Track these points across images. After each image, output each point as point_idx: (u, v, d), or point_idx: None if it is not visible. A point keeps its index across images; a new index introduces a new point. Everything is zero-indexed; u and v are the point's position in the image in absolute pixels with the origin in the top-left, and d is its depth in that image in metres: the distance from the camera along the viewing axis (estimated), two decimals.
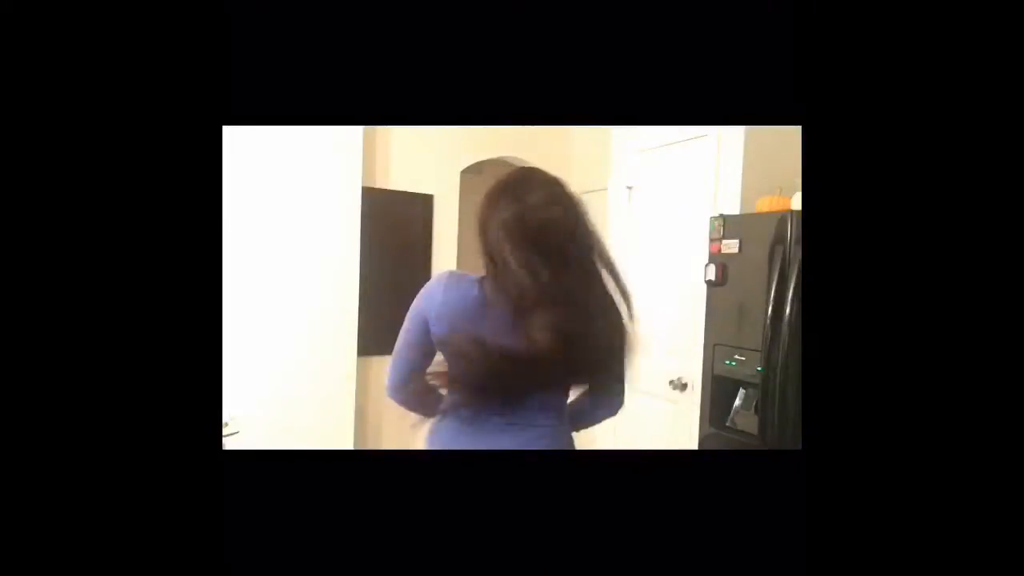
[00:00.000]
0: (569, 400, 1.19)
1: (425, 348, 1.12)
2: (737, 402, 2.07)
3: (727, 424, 2.09)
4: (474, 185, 3.52)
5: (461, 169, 3.22)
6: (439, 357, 1.11)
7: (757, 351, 1.91)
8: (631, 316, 1.10)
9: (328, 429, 2.62)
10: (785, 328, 1.82)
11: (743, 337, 2.02)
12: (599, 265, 1.07)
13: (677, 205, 2.58)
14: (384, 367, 1.20)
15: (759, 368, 1.90)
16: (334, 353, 2.64)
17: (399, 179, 3.02)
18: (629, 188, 2.85)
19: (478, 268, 1.10)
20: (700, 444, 2.20)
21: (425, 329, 1.10)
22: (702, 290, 2.20)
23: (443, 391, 1.12)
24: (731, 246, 2.07)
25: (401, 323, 1.14)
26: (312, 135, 2.57)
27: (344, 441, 2.68)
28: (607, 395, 1.21)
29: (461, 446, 1.10)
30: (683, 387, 2.48)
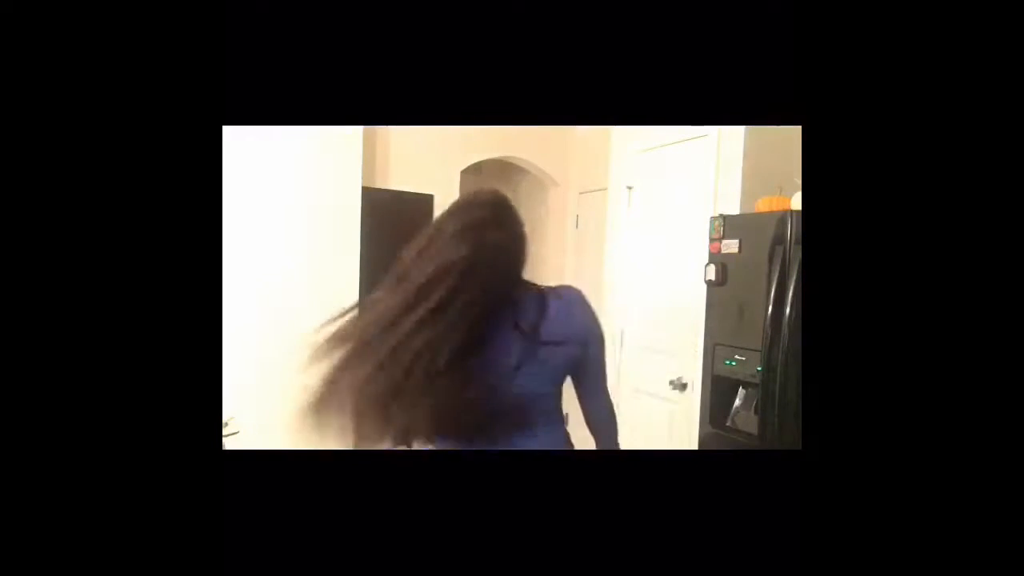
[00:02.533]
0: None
1: None
2: (737, 402, 2.07)
3: (727, 424, 2.09)
4: (474, 185, 3.52)
5: (461, 169, 3.22)
6: None
7: (757, 351, 1.91)
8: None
9: (328, 429, 2.62)
10: (785, 328, 1.82)
11: (743, 337, 2.01)
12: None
13: (677, 205, 2.58)
14: None
15: (759, 368, 1.90)
16: None
17: (399, 179, 3.02)
18: (629, 188, 2.85)
19: None
20: (700, 444, 2.20)
21: None
22: (702, 290, 2.20)
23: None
24: (731, 246, 2.07)
25: None
26: (312, 135, 2.56)
27: (344, 441, 2.68)
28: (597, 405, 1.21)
29: None
30: (683, 387, 2.48)
